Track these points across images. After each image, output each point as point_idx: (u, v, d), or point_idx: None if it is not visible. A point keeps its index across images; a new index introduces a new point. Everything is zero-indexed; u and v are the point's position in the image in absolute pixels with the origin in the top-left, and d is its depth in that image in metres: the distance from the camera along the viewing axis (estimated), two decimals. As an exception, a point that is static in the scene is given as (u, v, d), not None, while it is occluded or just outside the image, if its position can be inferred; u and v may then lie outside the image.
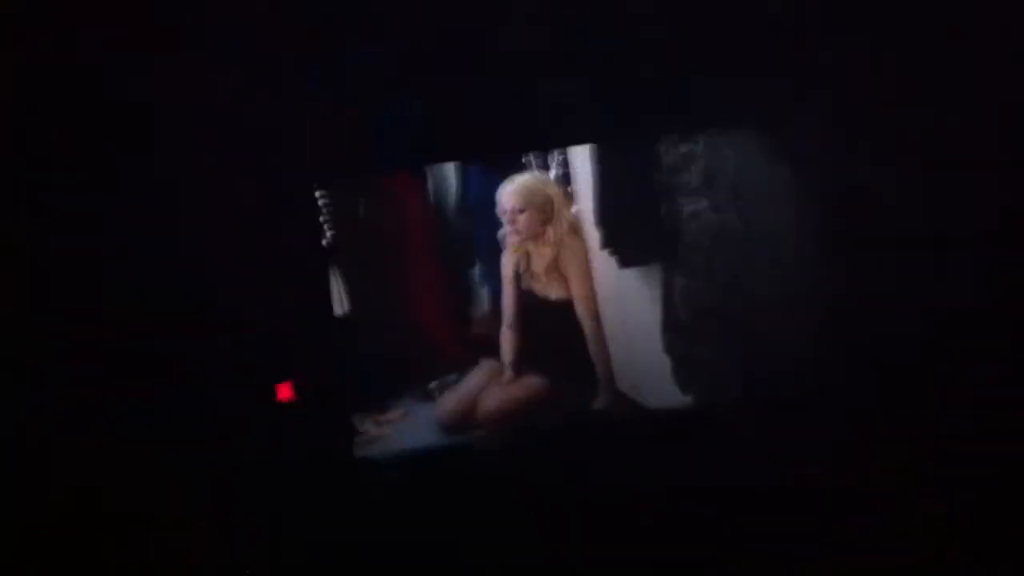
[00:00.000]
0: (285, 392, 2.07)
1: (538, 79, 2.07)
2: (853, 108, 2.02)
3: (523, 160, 2.22)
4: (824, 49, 2.00)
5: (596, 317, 2.23)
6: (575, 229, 2.24)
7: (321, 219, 2.16)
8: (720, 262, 2.17)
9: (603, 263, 2.23)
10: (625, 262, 2.22)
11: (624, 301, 2.24)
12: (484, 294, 2.29)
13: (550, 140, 2.18)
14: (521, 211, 2.21)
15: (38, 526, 1.94)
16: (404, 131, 2.07)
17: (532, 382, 2.22)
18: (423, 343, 2.25)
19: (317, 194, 2.16)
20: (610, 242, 2.21)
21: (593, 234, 2.22)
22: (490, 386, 2.23)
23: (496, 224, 2.23)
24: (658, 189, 2.17)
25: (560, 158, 2.22)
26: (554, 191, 2.22)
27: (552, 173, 2.23)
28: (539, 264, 2.24)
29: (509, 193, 2.21)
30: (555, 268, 2.24)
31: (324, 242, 2.17)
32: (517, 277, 2.26)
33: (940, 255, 2.03)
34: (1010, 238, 2.01)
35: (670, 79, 2.05)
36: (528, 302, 2.25)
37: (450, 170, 2.24)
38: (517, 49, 2.06)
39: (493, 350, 2.24)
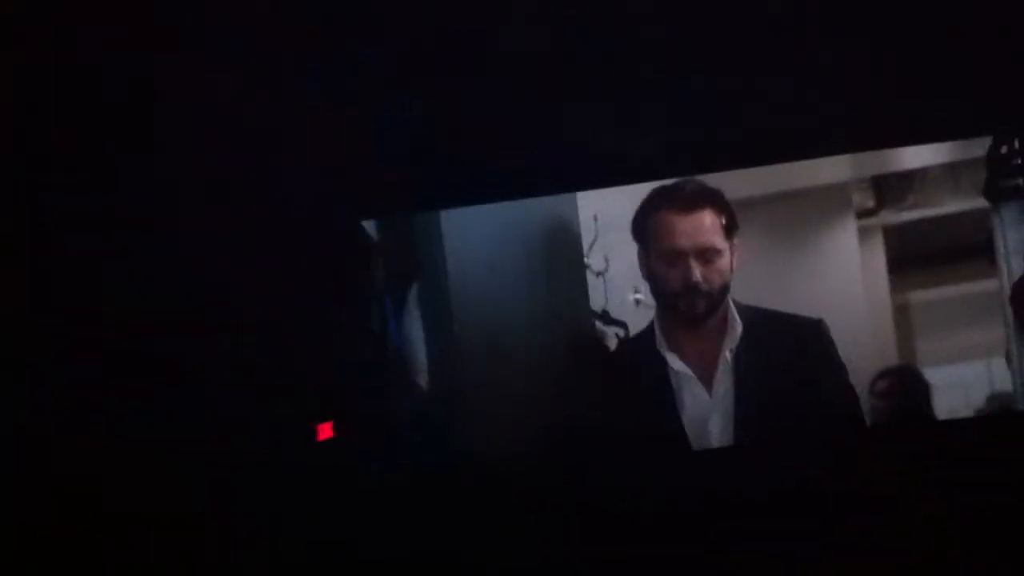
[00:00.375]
0: (326, 432, 2.06)
1: (541, 80, 2.07)
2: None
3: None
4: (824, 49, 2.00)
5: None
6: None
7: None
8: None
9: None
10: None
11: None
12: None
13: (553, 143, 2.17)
14: None
15: (38, 526, 1.95)
16: (404, 131, 2.07)
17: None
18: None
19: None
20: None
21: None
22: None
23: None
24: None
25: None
26: None
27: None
28: None
29: None
30: None
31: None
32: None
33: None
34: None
35: (670, 79, 2.04)
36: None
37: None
38: (518, 49, 2.05)
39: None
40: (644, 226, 2.20)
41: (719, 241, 2.15)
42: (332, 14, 2.05)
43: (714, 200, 2.16)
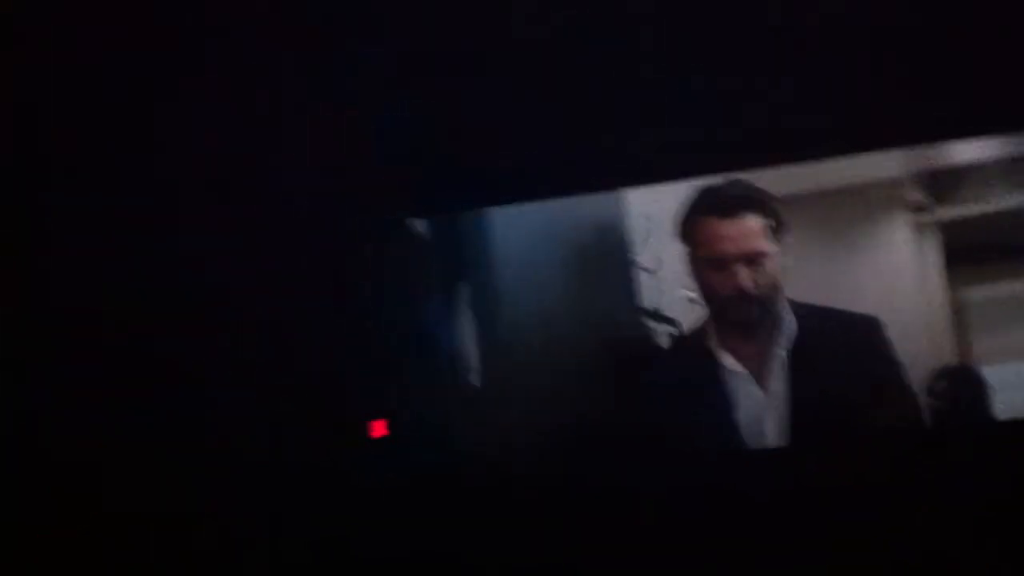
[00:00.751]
0: (380, 429, 2.03)
1: (542, 79, 2.06)
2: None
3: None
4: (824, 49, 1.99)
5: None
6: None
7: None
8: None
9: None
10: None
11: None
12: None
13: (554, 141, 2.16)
14: None
15: (38, 526, 1.95)
16: (404, 131, 2.07)
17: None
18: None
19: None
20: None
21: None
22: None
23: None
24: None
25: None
26: None
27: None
28: None
29: None
30: None
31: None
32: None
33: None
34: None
35: (670, 79, 2.03)
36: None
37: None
38: (519, 49, 2.05)
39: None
40: (688, 231, 2.16)
41: (767, 245, 2.10)
42: (332, 14, 2.05)
43: (760, 203, 2.11)
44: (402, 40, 2.06)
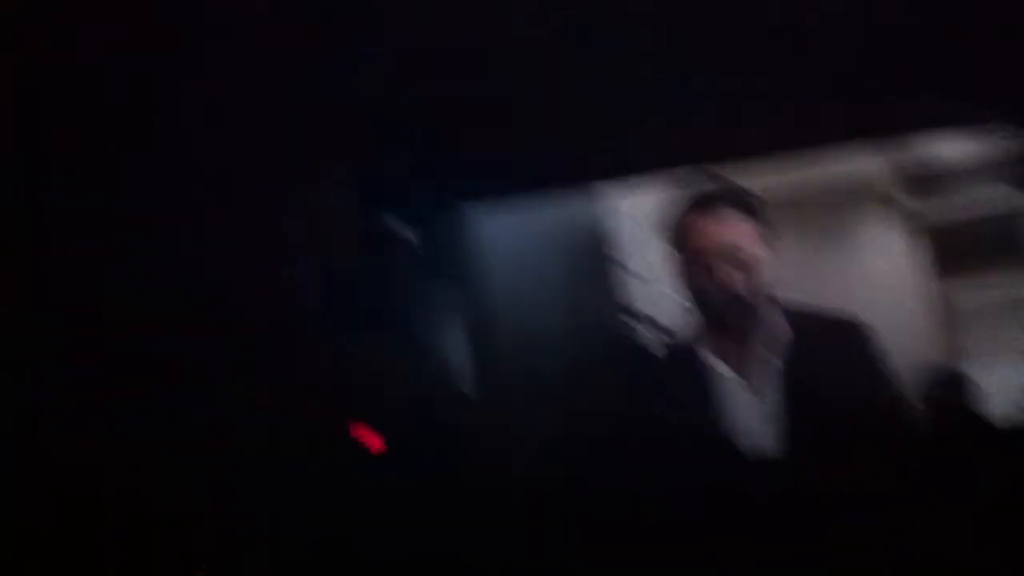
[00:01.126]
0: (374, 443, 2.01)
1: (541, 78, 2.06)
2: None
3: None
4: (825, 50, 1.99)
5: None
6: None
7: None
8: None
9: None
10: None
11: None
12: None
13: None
14: None
15: (38, 526, 1.95)
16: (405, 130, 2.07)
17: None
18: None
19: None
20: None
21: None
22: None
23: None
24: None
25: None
26: None
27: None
28: None
29: None
30: None
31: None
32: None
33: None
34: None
35: (671, 79, 2.04)
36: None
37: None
38: (519, 48, 2.05)
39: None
40: (678, 236, 2.16)
41: (757, 248, 2.11)
42: (332, 14, 2.05)
43: (749, 206, 2.12)
44: (402, 40, 2.06)
